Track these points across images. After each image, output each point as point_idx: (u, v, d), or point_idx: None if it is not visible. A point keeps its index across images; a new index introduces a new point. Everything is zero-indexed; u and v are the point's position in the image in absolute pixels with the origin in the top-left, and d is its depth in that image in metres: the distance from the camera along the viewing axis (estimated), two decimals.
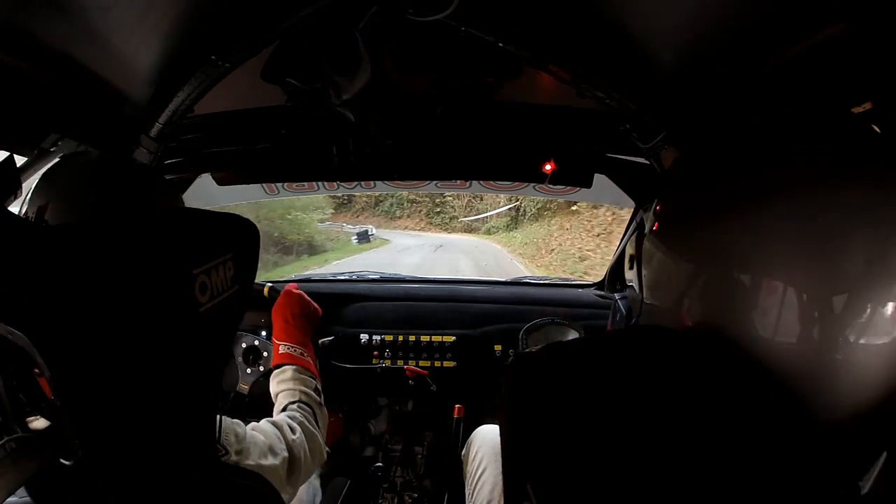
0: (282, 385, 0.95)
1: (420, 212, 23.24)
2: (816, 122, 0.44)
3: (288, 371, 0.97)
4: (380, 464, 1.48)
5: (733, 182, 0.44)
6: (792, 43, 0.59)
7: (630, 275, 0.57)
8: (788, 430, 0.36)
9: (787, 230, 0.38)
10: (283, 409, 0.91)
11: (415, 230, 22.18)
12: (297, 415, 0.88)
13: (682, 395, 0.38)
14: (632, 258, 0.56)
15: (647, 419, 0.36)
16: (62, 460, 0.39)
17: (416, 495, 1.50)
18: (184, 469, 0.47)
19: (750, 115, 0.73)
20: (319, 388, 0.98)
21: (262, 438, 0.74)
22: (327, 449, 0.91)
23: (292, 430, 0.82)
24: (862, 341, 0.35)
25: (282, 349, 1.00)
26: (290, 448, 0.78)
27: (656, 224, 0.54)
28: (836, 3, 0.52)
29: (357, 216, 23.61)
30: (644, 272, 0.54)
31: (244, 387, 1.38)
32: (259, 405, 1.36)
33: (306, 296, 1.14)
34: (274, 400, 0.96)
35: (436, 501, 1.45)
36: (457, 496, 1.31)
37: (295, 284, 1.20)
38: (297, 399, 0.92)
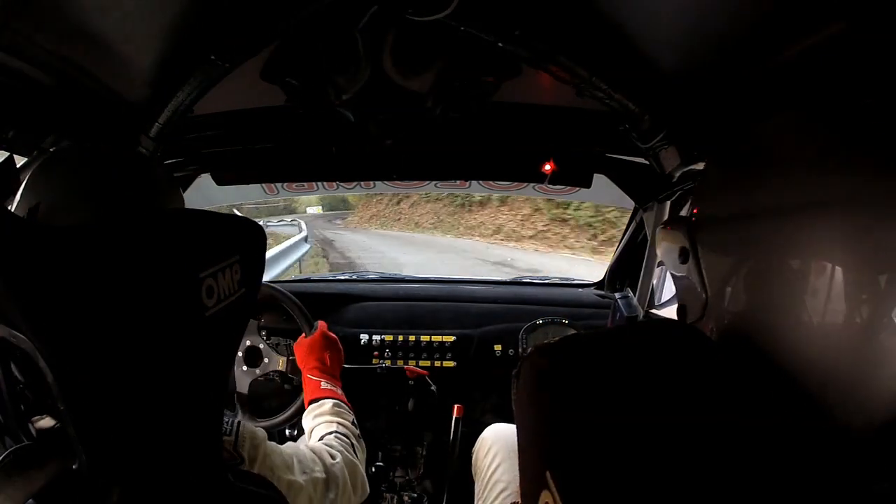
0: (319, 418, 0.95)
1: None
2: (840, 110, 0.43)
3: (327, 404, 0.98)
4: (380, 464, 1.48)
5: (777, 177, 0.44)
6: (792, 43, 0.59)
7: (682, 269, 0.54)
8: (816, 432, 0.36)
9: (832, 216, 0.38)
10: (320, 439, 0.89)
11: (536, 246, 8.47)
12: (336, 444, 0.86)
13: (705, 390, 0.38)
14: (684, 251, 0.53)
15: (667, 412, 0.36)
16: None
17: (415, 495, 1.50)
18: (189, 473, 0.47)
19: (749, 114, 0.73)
20: (356, 421, 0.99)
21: (289, 452, 0.72)
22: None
23: (332, 457, 0.80)
24: None
25: (323, 385, 1.03)
26: (327, 471, 0.76)
27: (698, 220, 0.52)
28: (836, 3, 0.52)
29: (371, 217, 11.66)
30: (706, 271, 0.51)
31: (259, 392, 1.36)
32: (259, 406, 1.35)
33: (338, 340, 1.18)
34: (308, 434, 0.95)
35: (436, 501, 1.45)
36: (457, 496, 1.31)
37: (324, 324, 1.20)
38: (334, 430, 0.91)
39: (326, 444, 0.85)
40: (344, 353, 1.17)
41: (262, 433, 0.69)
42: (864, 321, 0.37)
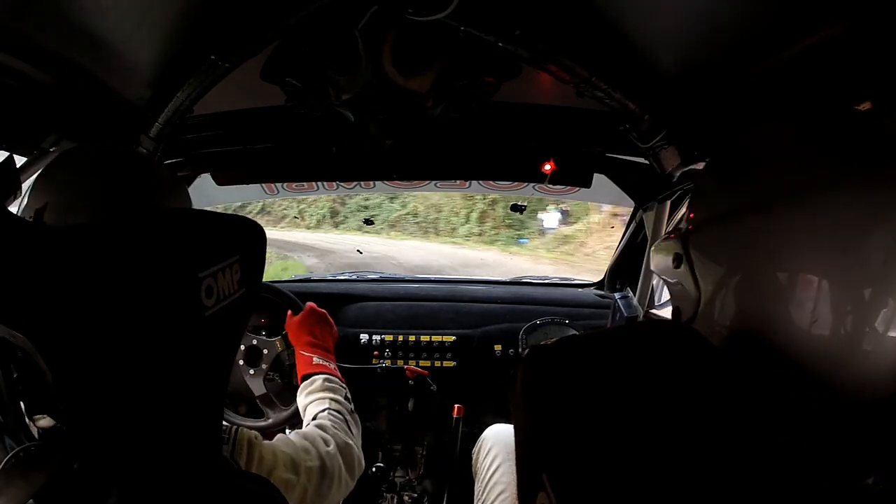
0: (311, 396, 0.94)
1: None
2: (825, 120, 0.44)
3: (318, 380, 0.96)
4: (380, 464, 1.48)
5: (764, 183, 0.45)
6: (792, 43, 0.59)
7: (676, 274, 0.55)
8: (806, 428, 0.37)
9: (816, 229, 0.40)
10: (314, 419, 0.87)
11: None
12: (328, 424, 0.84)
13: (699, 387, 0.39)
14: (678, 256, 0.54)
15: (662, 411, 0.37)
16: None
17: (416, 495, 1.50)
18: (188, 472, 0.47)
19: (749, 114, 0.73)
20: (349, 395, 0.97)
21: (283, 450, 0.71)
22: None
23: (326, 443, 0.79)
24: (890, 333, 0.37)
25: (315, 360, 1.02)
26: (321, 459, 0.75)
27: (691, 226, 0.53)
28: (836, 3, 0.52)
29: None
30: (698, 272, 0.52)
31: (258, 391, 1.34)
32: (260, 406, 1.35)
33: (328, 315, 1.18)
34: (302, 413, 0.94)
35: (436, 501, 1.45)
36: (457, 496, 1.31)
37: (313, 303, 1.20)
38: (326, 407, 0.89)
39: (319, 427, 0.83)
40: (344, 353, 1.16)
41: (255, 435, 0.68)
42: (847, 331, 0.39)
